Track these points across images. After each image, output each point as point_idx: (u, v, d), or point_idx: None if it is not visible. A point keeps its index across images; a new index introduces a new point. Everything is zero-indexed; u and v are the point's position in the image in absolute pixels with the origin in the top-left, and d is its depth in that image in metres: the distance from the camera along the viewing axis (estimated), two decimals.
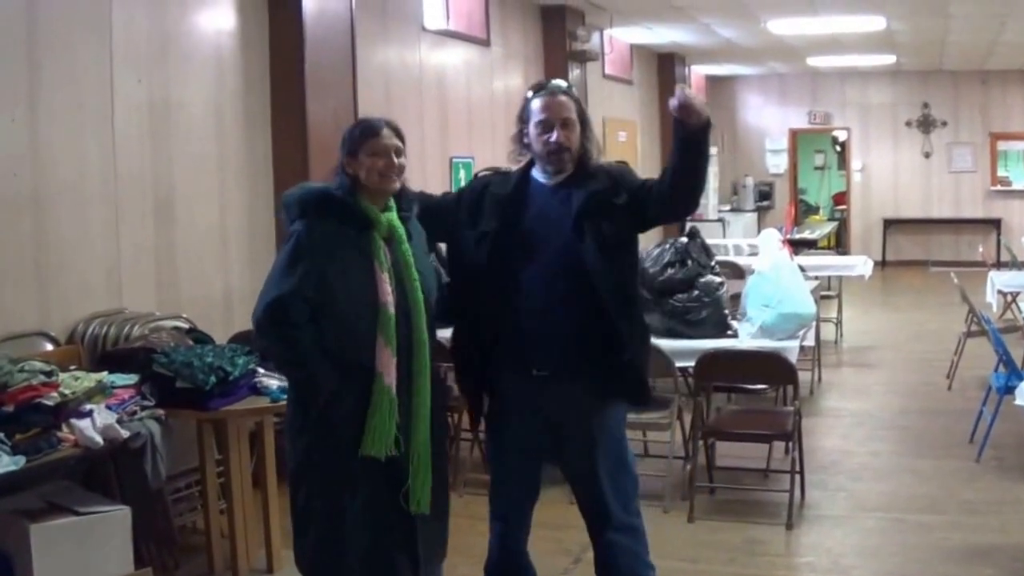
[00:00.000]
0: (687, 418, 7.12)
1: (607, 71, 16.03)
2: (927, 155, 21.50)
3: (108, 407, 4.96)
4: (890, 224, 21.69)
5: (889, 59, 18.88)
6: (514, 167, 4.56)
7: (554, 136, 4.32)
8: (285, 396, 5.17)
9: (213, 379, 5.17)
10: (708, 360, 6.55)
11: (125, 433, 4.89)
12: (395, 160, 4.16)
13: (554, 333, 4.29)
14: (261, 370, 5.48)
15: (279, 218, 7.84)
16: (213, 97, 7.49)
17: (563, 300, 4.28)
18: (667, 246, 7.21)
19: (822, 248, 18.05)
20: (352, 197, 4.15)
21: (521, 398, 4.37)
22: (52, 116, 6.09)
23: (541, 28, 13.58)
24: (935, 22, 14.82)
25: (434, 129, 10.74)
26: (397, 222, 4.21)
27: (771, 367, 6.59)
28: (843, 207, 22.99)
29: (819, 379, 10.29)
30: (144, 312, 6.45)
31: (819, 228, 20.01)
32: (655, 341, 6.71)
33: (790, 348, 6.74)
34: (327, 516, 4.15)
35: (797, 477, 6.55)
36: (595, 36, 14.71)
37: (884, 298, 17.13)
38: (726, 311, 7.16)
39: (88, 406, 4.86)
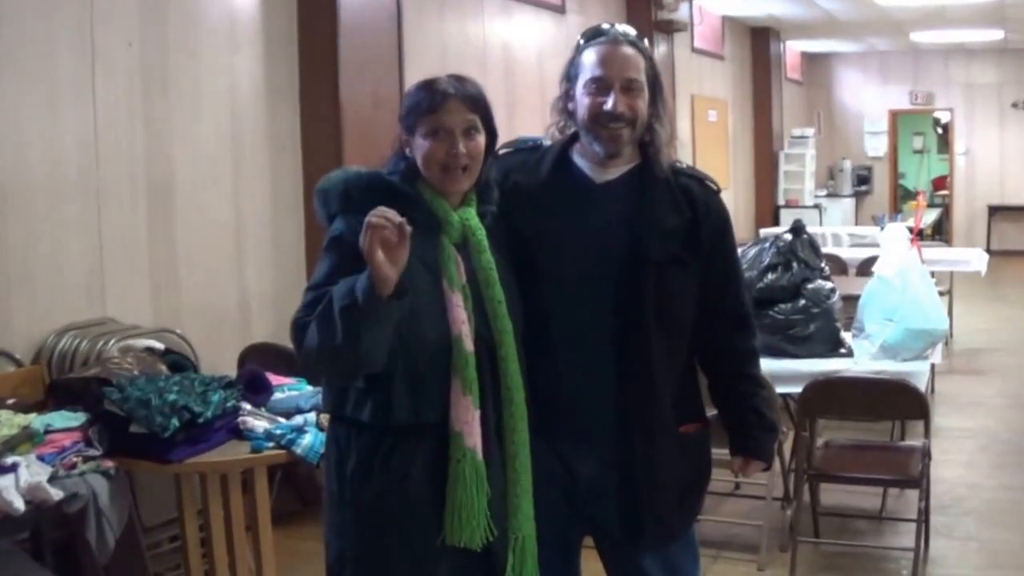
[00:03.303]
0: (787, 447, 5.99)
1: (696, 45, 15.09)
2: None
3: (42, 458, 3.86)
4: (995, 211, 20.71)
5: (997, 34, 17.91)
6: (546, 141, 3.26)
7: (610, 102, 3.01)
8: (270, 444, 4.09)
9: (175, 423, 3.94)
10: (817, 389, 5.29)
11: (58, 494, 3.77)
12: (461, 147, 2.90)
13: (596, 390, 3.07)
14: (247, 406, 4.27)
15: (310, 210, 6.89)
16: (226, 66, 6.42)
17: (610, 347, 3.06)
18: (767, 245, 5.94)
19: (927, 238, 16.86)
20: (412, 186, 2.95)
21: (550, 467, 3.10)
22: (15, 86, 5.10)
23: None
24: None
25: (500, 108, 9.37)
26: (475, 221, 2.98)
27: (896, 398, 5.28)
28: (944, 192, 22.12)
29: (932, 389, 8.98)
30: (128, 324, 5.38)
31: (922, 215, 18.77)
32: None
33: (918, 373, 5.50)
34: None
35: (923, 526, 5.43)
36: (683, 6, 13.66)
37: (993, 291, 15.79)
38: (838, 323, 5.92)
39: (12, 458, 3.76)
